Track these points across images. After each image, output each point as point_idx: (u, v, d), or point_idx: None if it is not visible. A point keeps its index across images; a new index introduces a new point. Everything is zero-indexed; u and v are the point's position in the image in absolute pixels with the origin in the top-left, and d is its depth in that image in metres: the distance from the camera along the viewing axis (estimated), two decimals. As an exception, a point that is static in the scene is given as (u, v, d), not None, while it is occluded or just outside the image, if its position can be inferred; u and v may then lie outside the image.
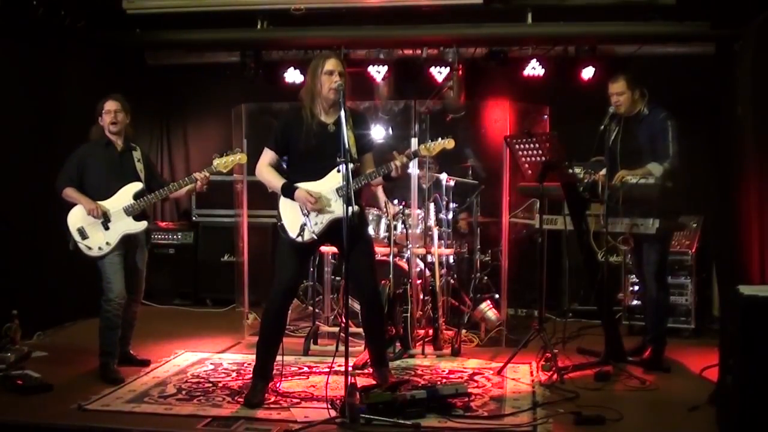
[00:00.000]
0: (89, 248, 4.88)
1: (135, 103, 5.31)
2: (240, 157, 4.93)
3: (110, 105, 4.99)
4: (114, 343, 4.92)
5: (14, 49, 5.83)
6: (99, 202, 4.86)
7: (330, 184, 4.26)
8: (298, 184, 4.29)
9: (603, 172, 4.92)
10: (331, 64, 4.26)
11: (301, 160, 4.37)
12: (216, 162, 4.90)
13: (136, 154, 5.10)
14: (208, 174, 4.91)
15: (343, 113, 4.04)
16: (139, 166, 5.06)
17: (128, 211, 4.88)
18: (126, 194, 4.92)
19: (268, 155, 4.41)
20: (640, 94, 5.04)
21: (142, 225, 4.94)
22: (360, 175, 4.35)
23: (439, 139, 4.37)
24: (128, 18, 6.53)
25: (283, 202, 4.36)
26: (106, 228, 4.87)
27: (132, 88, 6.32)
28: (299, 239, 4.28)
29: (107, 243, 4.86)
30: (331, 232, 4.30)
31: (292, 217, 4.32)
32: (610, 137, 5.07)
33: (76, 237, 4.88)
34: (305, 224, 4.27)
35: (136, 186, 4.96)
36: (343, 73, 4.25)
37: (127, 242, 4.95)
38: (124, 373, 4.84)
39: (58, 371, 4.88)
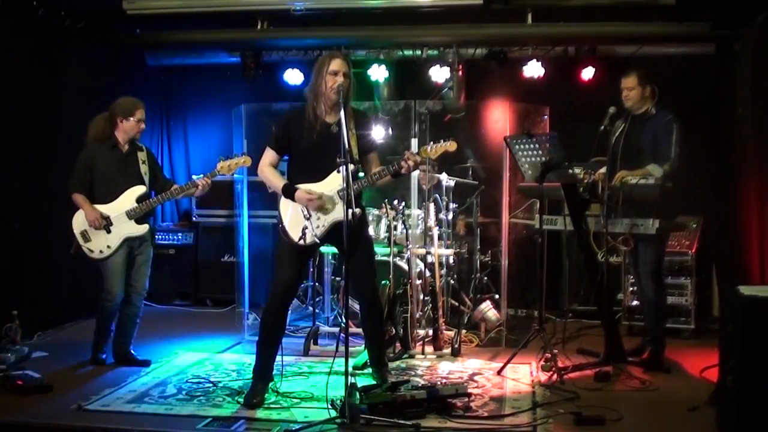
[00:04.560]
0: (91, 251, 4.97)
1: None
2: (244, 161, 4.94)
3: (142, 114, 5.05)
4: (104, 329, 5.09)
5: (14, 49, 5.83)
6: (102, 206, 4.94)
7: (331, 185, 4.25)
8: (299, 185, 4.29)
9: (602, 170, 4.93)
10: (336, 64, 4.24)
11: (303, 159, 4.36)
12: (219, 165, 4.93)
13: (142, 156, 5.14)
14: (209, 179, 4.96)
15: (343, 114, 4.03)
16: (144, 168, 5.09)
17: (130, 214, 4.95)
18: (129, 197, 4.98)
19: (269, 154, 4.40)
20: (650, 92, 5.05)
21: (143, 228, 5.00)
22: (360, 175, 4.34)
23: (441, 141, 4.33)
24: (128, 18, 6.52)
25: (284, 204, 4.36)
26: (109, 231, 4.94)
27: (132, 88, 6.31)
28: (301, 242, 4.27)
29: (108, 246, 4.95)
30: (332, 233, 4.30)
31: (293, 220, 4.32)
32: (615, 134, 5.08)
33: (80, 239, 4.97)
34: (307, 227, 4.26)
35: (140, 189, 5.01)
36: (347, 74, 4.24)
37: (130, 243, 5.02)
38: (124, 373, 4.86)
39: (58, 371, 4.89)
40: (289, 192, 4.29)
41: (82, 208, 4.95)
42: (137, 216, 4.96)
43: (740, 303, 3.57)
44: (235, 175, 6.20)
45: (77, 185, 4.99)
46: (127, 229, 4.96)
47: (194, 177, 5.03)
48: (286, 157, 4.50)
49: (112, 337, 5.18)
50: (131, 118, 5.00)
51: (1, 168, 5.73)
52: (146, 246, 5.12)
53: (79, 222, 4.98)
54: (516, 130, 5.66)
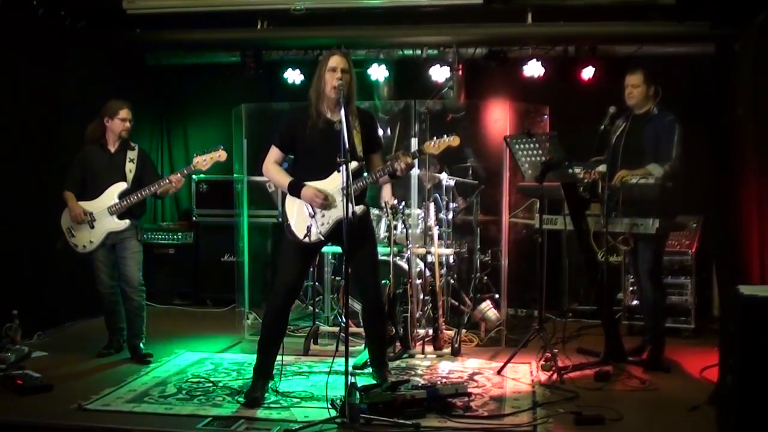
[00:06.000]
0: (76, 246, 5.24)
1: (135, 103, 5.38)
2: (219, 155, 5.10)
3: (126, 113, 5.24)
4: (108, 323, 5.41)
5: (14, 49, 5.83)
6: (85, 203, 5.18)
7: (335, 183, 4.23)
8: (305, 183, 4.28)
9: (601, 168, 4.93)
10: (334, 61, 4.24)
11: (307, 157, 4.36)
12: (195, 160, 5.09)
13: (132, 154, 5.29)
14: (180, 175, 5.14)
15: (343, 111, 4.03)
16: (130, 166, 5.25)
17: (111, 210, 5.16)
18: (111, 194, 5.18)
19: (274, 153, 4.40)
20: (654, 92, 5.05)
21: (125, 223, 5.19)
22: (365, 174, 4.33)
23: (445, 136, 4.34)
24: (128, 18, 6.53)
25: (290, 202, 4.35)
26: (92, 227, 5.18)
27: (132, 88, 6.32)
28: (306, 240, 4.27)
29: (91, 241, 5.19)
30: (337, 231, 4.27)
31: (298, 218, 4.31)
32: (616, 133, 5.08)
33: (66, 235, 5.24)
34: (311, 225, 4.26)
35: (121, 186, 5.20)
36: (346, 70, 4.23)
37: (114, 237, 5.21)
38: (124, 373, 4.88)
39: (58, 371, 4.89)
40: (296, 189, 4.28)
41: (67, 204, 5.20)
42: (119, 212, 5.16)
43: (740, 303, 3.57)
44: (235, 175, 6.26)
45: (68, 183, 5.27)
46: (108, 224, 5.17)
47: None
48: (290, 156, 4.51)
49: (123, 333, 5.36)
50: (116, 118, 5.21)
51: (0, 167, 5.73)
52: (130, 240, 5.24)
53: (64, 219, 5.25)
54: (516, 130, 5.66)
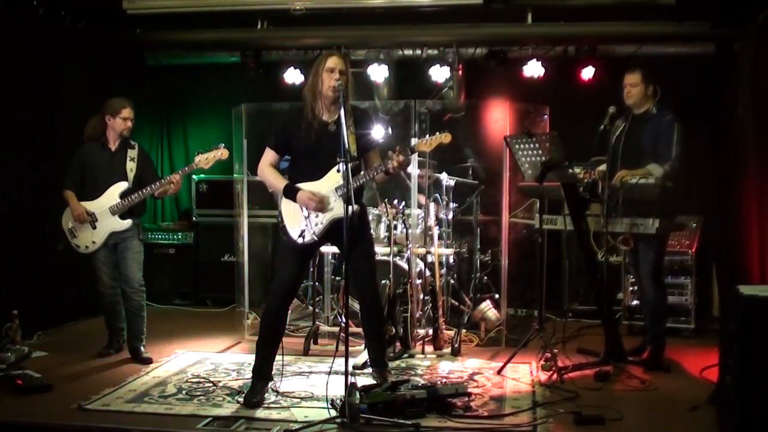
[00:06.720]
0: (78, 246, 5.21)
1: (135, 103, 5.35)
2: (221, 153, 5.09)
3: (129, 113, 5.23)
4: (108, 322, 5.40)
5: (14, 49, 5.83)
6: (87, 203, 5.16)
7: (329, 183, 4.25)
8: (299, 185, 4.29)
9: (601, 167, 4.93)
10: (332, 61, 4.25)
11: (302, 158, 4.37)
12: (197, 159, 5.08)
13: (132, 153, 5.28)
14: (182, 173, 5.13)
15: (342, 112, 4.03)
16: (131, 165, 5.23)
17: (113, 210, 5.14)
18: (112, 194, 5.17)
19: (269, 155, 4.41)
20: (652, 91, 5.05)
21: (127, 223, 5.17)
22: (361, 172, 4.34)
23: (437, 133, 4.36)
24: (128, 18, 6.52)
25: (285, 203, 4.36)
26: (94, 227, 5.16)
27: (132, 88, 6.31)
28: (300, 240, 4.28)
29: (93, 242, 5.17)
30: (332, 232, 4.29)
31: (293, 219, 4.32)
32: (615, 133, 5.08)
33: (68, 236, 5.21)
34: (305, 226, 4.27)
35: (122, 185, 5.18)
36: (344, 72, 4.24)
37: (116, 237, 5.20)
38: (124, 373, 4.88)
39: (58, 371, 4.89)
40: (291, 193, 4.29)
41: (69, 204, 5.18)
42: (121, 211, 5.15)
43: (740, 303, 3.57)
44: (234, 175, 6.26)
45: (68, 183, 5.24)
46: (111, 224, 5.15)
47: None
48: (287, 157, 4.51)
49: (123, 334, 5.36)
50: (118, 117, 5.19)
51: (0, 167, 5.73)
52: (132, 239, 5.24)
53: (66, 219, 5.23)
54: (516, 130, 5.66)
